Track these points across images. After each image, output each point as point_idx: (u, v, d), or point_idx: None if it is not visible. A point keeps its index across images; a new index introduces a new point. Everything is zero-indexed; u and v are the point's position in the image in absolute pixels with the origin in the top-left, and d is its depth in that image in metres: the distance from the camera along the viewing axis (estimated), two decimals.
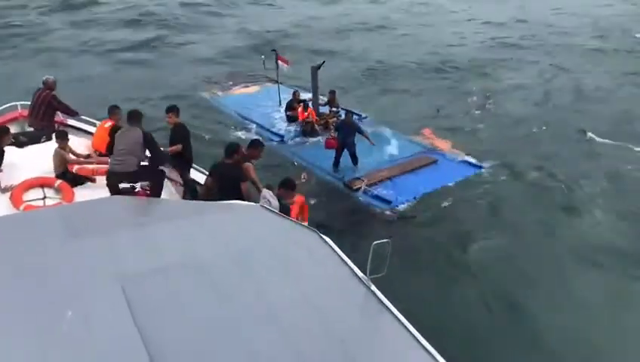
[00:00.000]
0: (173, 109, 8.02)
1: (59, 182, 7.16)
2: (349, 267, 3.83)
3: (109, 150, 7.80)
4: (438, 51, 21.64)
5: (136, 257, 3.71)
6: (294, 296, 3.52)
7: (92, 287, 3.34)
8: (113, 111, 8.44)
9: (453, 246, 9.33)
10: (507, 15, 27.41)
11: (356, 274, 3.74)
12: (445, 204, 10.72)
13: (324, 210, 10.16)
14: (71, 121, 9.66)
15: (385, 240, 3.63)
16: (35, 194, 7.02)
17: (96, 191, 7.19)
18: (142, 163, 7.23)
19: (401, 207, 10.63)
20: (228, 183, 6.92)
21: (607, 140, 13.57)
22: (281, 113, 14.78)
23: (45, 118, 9.09)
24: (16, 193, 6.87)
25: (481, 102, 16.46)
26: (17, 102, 9.58)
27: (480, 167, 12.06)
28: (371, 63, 20.07)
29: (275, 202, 6.76)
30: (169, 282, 3.45)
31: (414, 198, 10.90)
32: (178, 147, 7.83)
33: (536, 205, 10.74)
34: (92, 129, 9.16)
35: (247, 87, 17.57)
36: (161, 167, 7.47)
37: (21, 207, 6.71)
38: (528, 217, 10.26)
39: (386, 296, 3.56)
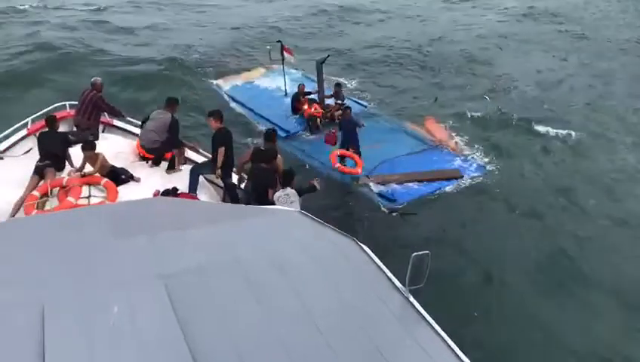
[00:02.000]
0: (214, 114, 8.13)
1: (104, 180, 7.34)
2: (387, 276, 3.83)
3: None
4: (442, 39, 21.51)
5: (178, 257, 3.78)
6: (332, 302, 3.54)
7: (136, 284, 3.42)
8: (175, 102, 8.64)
9: (452, 244, 9.37)
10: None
11: (394, 285, 3.74)
12: (447, 203, 10.74)
13: (324, 202, 9.98)
14: (117, 122, 9.91)
15: (424, 252, 3.62)
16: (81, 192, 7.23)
17: (139, 190, 7.36)
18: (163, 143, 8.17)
19: (403, 205, 10.64)
20: (259, 188, 7.48)
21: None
22: (287, 104, 14.78)
23: (91, 118, 9.34)
24: (62, 190, 7.08)
25: (489, 91, 16.40)
26: (66, 102, 9.85)
27: (484, 168, 11.97)
28: (375, 51, 20.03)
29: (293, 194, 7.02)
30: (210, 282, 3.51)
31: (418, 196, 10.90)
32: (222, 151, 7.86)
33: (543, 203, 10.68)
34: (137, 130, 9.38)
35: (250, 70, 17.72)
36: (202, 173, 7.94)
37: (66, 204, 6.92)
38: (527, 218, 10.19)
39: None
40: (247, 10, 25.67)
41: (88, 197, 7.18)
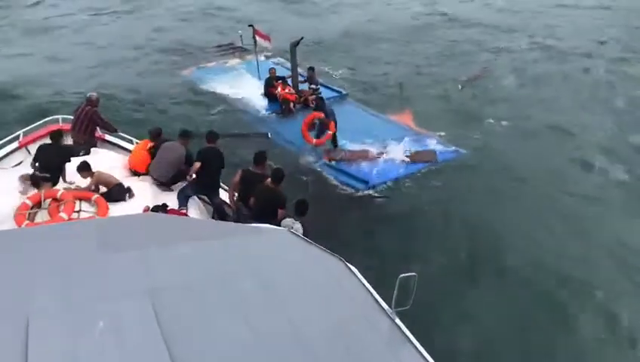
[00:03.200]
0: (208, 135, 8.44)
1: (95, 196, 7.35)
2: (374, 297, 3.84)
3: (148, 171, 8.22)
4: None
5: (166, 273, 3.78)
6: (319, 322, 3.54)
7: (122, 299, 3.41)
8: (156, 134, 8.73)
9: (427, 228, 9.46)
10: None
11: (381, 306, 3.75)
12: (422, 186, 10.84)
13: (297, 186, 10.14)
14: (109, 137, 9.94)
15: (411, 274, 3.64)
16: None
17: (129, 206, 7.36)
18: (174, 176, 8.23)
19: (377, 188, 10.73)
20: (268, 208, 7.40)
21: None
22: (259, 86, 14.86)
23: (87, 132, 9.39)
24: (53, 203, 7.07)
25: (467, 80, 16.56)
26: (59, 116, 9.88)
27: (458, 151, 12.04)
28: (350, 38, 20.24)
29: (298, 227, 6.92)
30: (197, 300, 3.51)
31: (392, 179, 10.97)
32: (196, 165, 8.06)
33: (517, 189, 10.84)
34: (129, 146, 9.41)
35: (226, 62, 17.69)
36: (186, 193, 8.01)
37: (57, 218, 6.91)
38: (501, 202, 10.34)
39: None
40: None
41: (79, 211, 7.17)
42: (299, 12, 24.07)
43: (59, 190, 7.41)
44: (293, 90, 14.06)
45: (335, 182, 11.00)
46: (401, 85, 15.95)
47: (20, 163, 8.60)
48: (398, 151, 11.82)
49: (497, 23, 22.86)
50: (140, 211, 7.10)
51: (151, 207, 7.31)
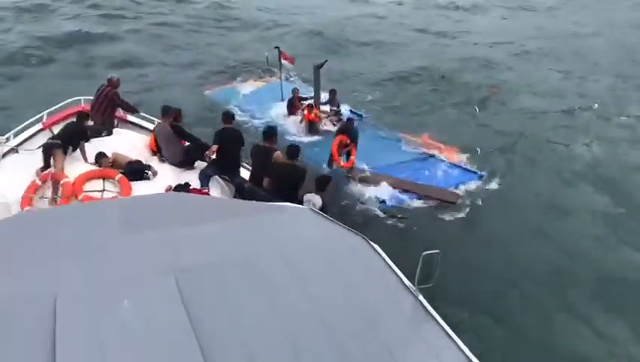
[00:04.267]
0: (222, 115, 8.56)
1: (119, 175, 7.40)
2: (397, 275, 3.83)
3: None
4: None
5: (190, 252, 3.80)
6: (342, 300, 3.54)
7: (147, 279, 3.44)
8: (165, 111, 8.68)
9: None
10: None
11: (404, 283, 3.74)
12: (439, 208, 10.57)
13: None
14: (130, 117, 10.01)
15: (435, 251, 3.62)
16: (95, 185, 7.29)
17: (152, 186, 7.42)
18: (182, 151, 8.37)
19: (393, 208, 10.56)
20: (286, 183, 7.47)
21: None
22: (283, 109, 14.78)
23: (106, 113, 9.45)
24: (77, 182, 7.14)
25: (485, 105, 16.23)
26: (81, 97, 9.95)
27: (478, 175, 11.71)
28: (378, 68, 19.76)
29: (318, 201, 6.96)
30: (220, 278, 3.53)
31: (409, 200, 10.79)
32: (213, 148, 8.12)
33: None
34: (151, 126, 9.46)
35: (252, 81, 17.60)
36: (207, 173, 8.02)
37: (80, 197, 6.99)
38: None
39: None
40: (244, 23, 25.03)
41: (102, 191, 7.24)
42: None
43: (79, 170, 7.49)
44: (318, 113, 14.00)
45: (350, 196, 10.89)
46: (424, 110, 15.73)
47: None
48: (422, 187, 11.39)
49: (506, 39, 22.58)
50: (162, 191, 7.15)
51: (173, 186, 7.37)
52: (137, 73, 17.73)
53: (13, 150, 8.35)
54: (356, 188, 11.07)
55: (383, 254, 4.07)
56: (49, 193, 7.12)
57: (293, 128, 13.98)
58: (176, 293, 3.27)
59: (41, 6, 23.72)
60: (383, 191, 10.90)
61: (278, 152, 8.08)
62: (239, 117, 14.48)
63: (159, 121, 9.15)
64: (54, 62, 17.95)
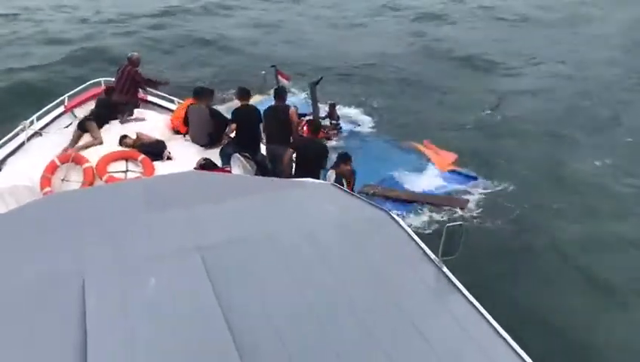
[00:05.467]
0: (237, 92, 8.65)
1: (142, 156, 7.47)
2: (421, 247, 3.82)
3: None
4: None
5: (214, 229, 3.85)
6: (365, 273, 3.56)
7: (173, 257, 3.49)
8: (200, 93, 8.74)
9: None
10: None
11: (428, 255, 3.73)
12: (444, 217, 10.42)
13: None
14: (151, 98, 10.04)
15: (458, 223, 3.61)
16: (118, 166, 7.37)
17: (175, 165, 7.48)
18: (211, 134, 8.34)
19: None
20: (311, 161, 7.51)
21: None
22: None
23: (129, 93, 9.48)
24: (100, 164, 7.23)
25: (490, 108, 15.80)
26: (101, 79, 10.02)
27: (475, 178, 11.65)
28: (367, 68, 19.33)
29: (330, 174, 7.02)
30: (245, 254, 3.57)
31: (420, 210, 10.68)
32: (232, 127, 8.17)
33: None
34: (173, 106, 9.50)
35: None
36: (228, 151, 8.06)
37: (104, 178, 7.08)
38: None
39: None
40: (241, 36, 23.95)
41: (125, 171, 7.32)
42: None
43: (101, 151, 7.58)
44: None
45: None
46: (425, 119, 15.22)
47: (68, 125, 8.79)
48: (430, 196, 11.30)
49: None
50: (185, 169, 7.21)
51: (198, 164, 7.43)
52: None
53: (37, 133, 8.47)
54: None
55: (407, 227, 4.07)
56: (68, 174, 7.22)
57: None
58: (203, 270, 3.31)
59: None
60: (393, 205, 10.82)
61: (293, 109, 8.31)
62: None
63: (180, 101, 9.19)
64: None
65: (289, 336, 2.97)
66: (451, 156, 12.73)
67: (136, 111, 9.14)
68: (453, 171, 12.14)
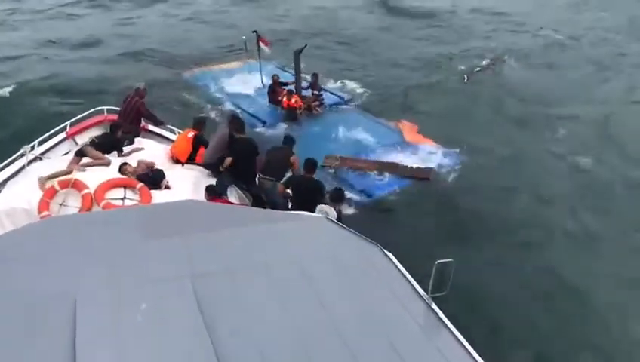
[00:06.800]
0: (231, 123, 8.67)
1: (140, 185, 7.52)
2: (411, 284, 3.86)
3: (189, 160, 8.40)
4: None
5: (207, 258, 3.88)
6: (356, 308, 3.58)
7: (165, 283, 3.52)
8: (199, 122, 9.01)
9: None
10: None
11: (417, 292, 3.77)
12: (422, 197, 10.70)
13: None
14: (152, 127, 10.16)
15: (448, 260, 3.65)
16: (116, 193, 7.42)
17: (172, 195, 7.52)
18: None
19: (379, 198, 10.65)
20: (309, 196, 7.63)
21: None
22: (263, 94, 14.85)
23: (132, 123, 9.64)
24: (99, 190, 7.28)
25: (473, 72, 16.37)
26: (104, 107, 10.14)
27: (456, 156, 11.87)
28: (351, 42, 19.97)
29: (332, 213, 7.00)
30: (237, 284, 3.60)
31: (392, 190, 10.86)
32: (228, 160, 8.26)
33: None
34: (172, 136, 9.60)
35: (228, 62, 17.68)
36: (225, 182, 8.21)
37: (102, 204, 7.11)
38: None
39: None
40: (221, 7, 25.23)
41: (123, 198, 7.36)
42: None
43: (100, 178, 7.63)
44: (298, 99, 14.05)
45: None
46: (406, 91, 15.73)
47: (68, 152, 8.86)
48: (395, 166, 11.60)
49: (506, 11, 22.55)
50: (182, 198, 7.25)
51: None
52: (108, 54, 18.37)
53: (38, 158, 8.54)
54: (331, 174, 11.17)
55: (398, 263, 4.12)
56: (67, 199, 7.25)
57: (274, 116, 14.11)
58: (193, 298, 3.34)
59: None
60: (364, 184, 11.03)
61: (295, 156, 8.41)
62: (219, 100, 14.94)
63: (180, 131, 9.31)
64: None
65: None
66: (415, 129, 13.11)
67: (136, 140, 9.25)
68: (425, 144, 12.41)
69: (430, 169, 11.47)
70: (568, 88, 15.69)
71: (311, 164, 7.88)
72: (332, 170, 11.27)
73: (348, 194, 10.33)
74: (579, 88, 15.74)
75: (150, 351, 2.99)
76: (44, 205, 7.00)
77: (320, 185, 7.82)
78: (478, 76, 16.54)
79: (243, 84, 15.82)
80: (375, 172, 11.33)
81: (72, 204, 7.20)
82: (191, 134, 8.74)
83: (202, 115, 9.22)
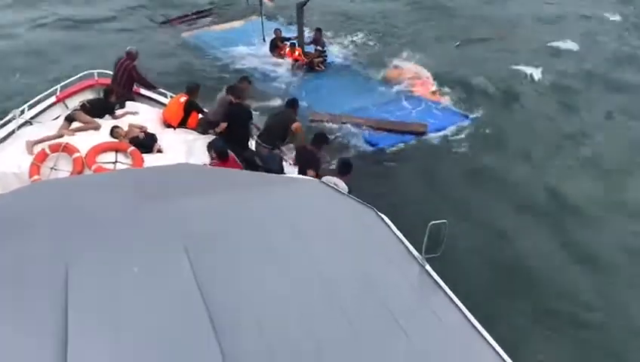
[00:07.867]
0: (229, 90, 8.48)
1: (131, 148, 7.46)
2: (405, 245, 3.85)
3: (181, 125, 8.33)
4: None
5: (200, 221, 3.85)
6: (349, 269, 3.58)
7: (157, 247, 3.49)
8: (192, 89, 8.83)
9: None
10: None
11: (411, 253, 3.76)
12: (425, 154, 10.69)
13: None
14: (144, 91, 10.03)
15: (442, 221, 3.63)
16: (107, 157, 7.36)
17: (164, 158, 7.47)
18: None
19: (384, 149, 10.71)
20: (303, 168, 7.42)
21: None
22: (266, 50, 14.73)
23: (125, 87, 9.52)
24: (90, 154, 7.22)
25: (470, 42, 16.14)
26: (94, 70, 9.99)
27: (466, 117, 11.76)
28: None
29: (342, 185, 6.90)
30: (229, 247, 3.58)
31: (393, 145, 10.87)
32: (222, 125, 8.21)
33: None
34: (165, 100, 9.49)
35: (231, 22, 17.42)
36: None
37: (93, 168, 7.07)
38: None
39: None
40: None
41: (114, 162, 7.31)
42: None
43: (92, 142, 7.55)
44: (300, 53, 13.89)
45: (340, 142, 10.88)
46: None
47: (58, 117, 8.76)
48: (389, 121, 11.53)
49: None
50: (174, 162, 7.20)
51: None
52: (105, 16, 18.00)
53: (28, 122, 8.44)
54: (344, 134, 11.14)
55: (392, 225, 4.10)
56: (58, 163, 7.20)
57: (280, 70, 13.97)
58: (186, 261, 3.31)
59: None
60: (370, 134, 11.04)
61: (298, 123, 8.24)
62: (220, 60, 14.64)
63: (172, 95, 9.19)
64: None
65: (269, 325, 2.99)
66: (431, 87, 12.95)
67: (128, 103, 9.14)
68: (433, 102, 12.34)
69: (424, 124, 11.38)
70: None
71: (320, 138, 7.68)
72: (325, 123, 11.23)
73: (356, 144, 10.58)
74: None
75: (143, 313, 2.97)
76: (34, 169, 6.96)
77: (316, 161, 7.45)
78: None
79: (244, 42, 15.58)
80: (369, 128, 11.26)
81: (63, 168, 7.15)
82: (183, 99, 8.63)
83: (197, 83, 8.97)
